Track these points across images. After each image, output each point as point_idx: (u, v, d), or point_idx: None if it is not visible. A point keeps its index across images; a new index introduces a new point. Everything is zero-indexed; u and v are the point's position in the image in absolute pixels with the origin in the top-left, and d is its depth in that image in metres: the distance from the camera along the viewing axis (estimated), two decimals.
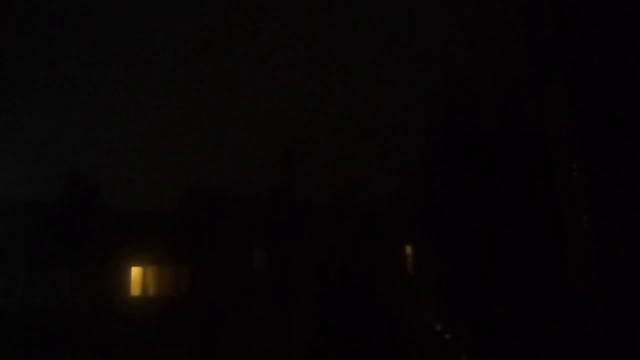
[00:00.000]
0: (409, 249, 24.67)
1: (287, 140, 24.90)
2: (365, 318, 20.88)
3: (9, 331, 15.03)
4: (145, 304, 17.85)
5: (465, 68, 21.92)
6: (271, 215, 22.06)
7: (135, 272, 18.09)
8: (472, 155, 20.41)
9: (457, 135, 21.05)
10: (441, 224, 21.09)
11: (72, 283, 16.62)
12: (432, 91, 22.26)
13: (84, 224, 17.50)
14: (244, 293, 19.85)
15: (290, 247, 21.27)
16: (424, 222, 22.41)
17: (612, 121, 14.12)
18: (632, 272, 13.52)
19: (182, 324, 18.05)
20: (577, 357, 15.02)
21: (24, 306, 15.70)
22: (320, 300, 20.82)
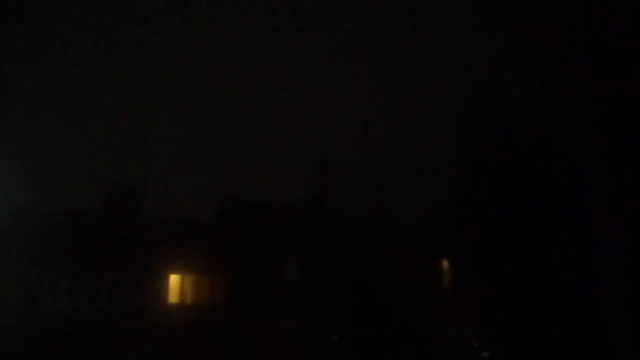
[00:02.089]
0: (445, 264, 24.28)
1: (321, 152, 25.06)
2: (399, 333, 20.61)
3: (51, 335, 15.53)
4: (182, 311, 18.17)
5: (501, 81, 21.66)
6: (305, 226, 22.16)
7: (173, 279, 18.47)
8: (508, 168, 20.05)
9: (494, 148, 20.74)
10: (477, 239, 20.71)
11: (112, 289, 17.08)
12: (467, 103, 22.04)
13: (125, 232, 17.98)
14: (277, 303, 19.94)
15: (323, 259, 21.28)
16: (460, 237, 22.06)
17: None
18: None
19: (216, 332, 18.26)
20: None
21: (66, 311, 16.22)
22: (353, 314, 20.69)
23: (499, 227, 19.80)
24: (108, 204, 18.89)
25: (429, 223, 24.47)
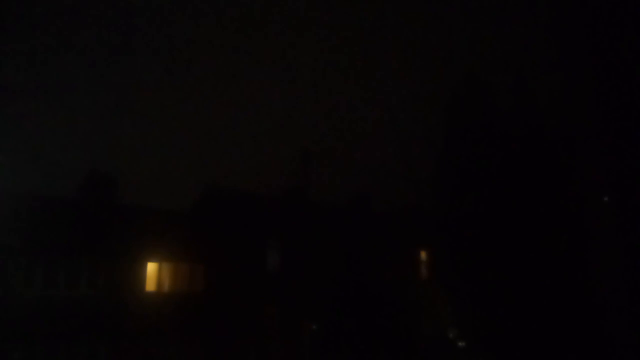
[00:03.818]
0: (423, 254, 24.50)
1: (303, 142, 25.02)
2: (377, 322, 20.79)
3: (27, 322, 15.33)
4: (159, 300, 18.06)
5: (486, 72, 21.81)
6: (286, 216, 22.13)
7: (151, 267, 18.32)
8: (490, 160, 20.23)
9: (476, 139, 20.89)
10: (457, 230, 20.93)
11: (89, 277, 16.90)
12: (451, 95, 22.15)
13: (102, 220, 17.75)
14: (256, 293, 19.93)
15: (304, 248, 21.30)
16: (439, 227, 22.27)
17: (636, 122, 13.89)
18: None
19: (194, 321, 18.22)
20: None
21: (41, 298, 15.99)
22: (332, 303, 20.80)
23: (480, 220, 20.02)
24: (86, 191, 18.62)
25: (410, 214, 24.66)
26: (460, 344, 21.14)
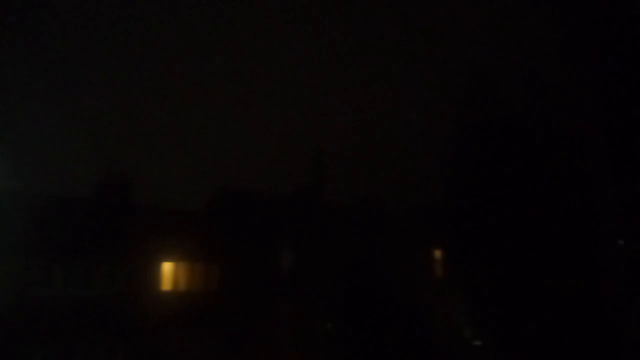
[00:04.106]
0: (437, 253, 24.40)
1: (316, 142, 25.10)
2: (391, 321, 20.77)
3: (46, 321, 15.60)
4: (175, 299, 18.24)
5: (497, 69, 21.66)
6: (300, 216, 22.20)
7: (167, 267, 18.52)
8: (503, 158, 20.11)
9: (488, 137, 20.78)
10: (471, 228, 20.82)
11: (106, 276, 17.12)
12: (463, 92, 22.06)
13: (119, 220, 17.99)
14: (271, 292, 20.03)
15: (317, 247, 21.35)
16: (453, 226, 22.17)
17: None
18: None
19: (209, 319, 18.37)
20: None
21: (60, 298, 16.25)
22: (346, 303, 20.83)
23: (494, 218, 19.90)
24: (102, 192, 18.88)
25: (423, 213, 24.59)
26: (475, 343, 21.04)
